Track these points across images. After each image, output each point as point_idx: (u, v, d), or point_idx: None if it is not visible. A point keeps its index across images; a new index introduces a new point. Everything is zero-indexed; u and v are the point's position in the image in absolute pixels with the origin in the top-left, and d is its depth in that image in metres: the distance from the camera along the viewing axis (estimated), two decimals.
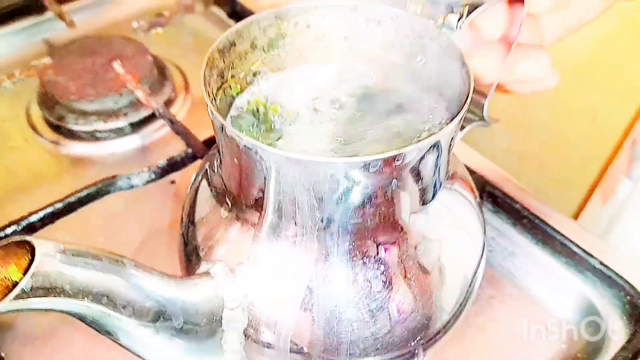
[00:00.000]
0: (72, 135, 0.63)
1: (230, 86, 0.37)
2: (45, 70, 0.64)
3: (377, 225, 0.32)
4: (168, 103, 0.67)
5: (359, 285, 0.33)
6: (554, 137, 0.77)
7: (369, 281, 0.33)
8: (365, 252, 0.32)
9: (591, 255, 0.50)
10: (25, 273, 0.24)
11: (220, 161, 0.35)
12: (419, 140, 0.29)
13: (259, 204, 0.32)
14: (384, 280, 0.33)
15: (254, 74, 0.39)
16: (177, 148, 0.60)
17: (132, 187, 0.53)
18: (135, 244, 0.55)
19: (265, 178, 0.30)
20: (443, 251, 0.36)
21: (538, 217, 0.53)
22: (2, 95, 0.64)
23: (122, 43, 0.68)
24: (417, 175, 0.32)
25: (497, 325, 0.50)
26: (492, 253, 0.55)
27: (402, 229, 0.33)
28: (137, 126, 0.64)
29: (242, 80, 0.38)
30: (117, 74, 0.63)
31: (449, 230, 0.37)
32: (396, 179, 0.30)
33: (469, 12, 0.36)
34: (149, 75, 0.66)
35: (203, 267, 0.34)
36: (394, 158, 0.29)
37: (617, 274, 0.49)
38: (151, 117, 0.64)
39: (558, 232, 0.52)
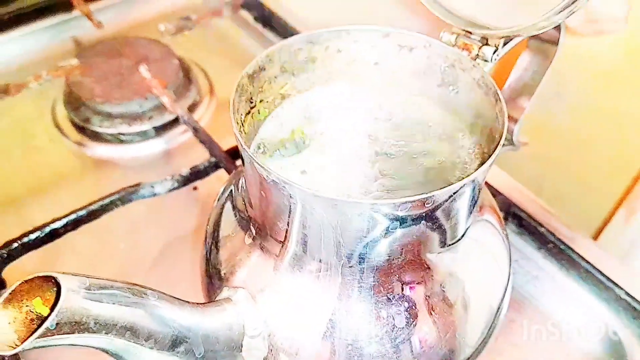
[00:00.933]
0: (96, 137, 0.64)
1: (258, 110, 0.36)
2: (72, 71, 0.64)
3: (403, 263, 0.32)
4: (193, 106, 0.67)
5: (382, 321, 0.32)
6: (579, 144, 0.75)
7: (392, 317, 0.32)
8: (390, 289, 0.32)
9: (617, 285, 0.49)
10: (51, 307, 0.24)
11: (246, 186, 0.35)
12: (449, 184, 0.28)
13: (283, 236, 0.32)
14: (407, 317, 0.33)
15: (283, 97, 0.38)
16: (201, 154, 0.60)
17: (154, 194, 0.53)
18: (157, 250, 0.55)
19: (290, 211, 0.30)
20: (469, 286, 0.36)
21: (563, 242, 0.52)
22: (28, 94, 0.65)
23: (149, 45, 0.68)
24: (447, 215, 0.31)
25: (516, 351, 0.50)
26: (515, 276, 0.54)
27: (428, 267, 0.33)
28: (161, 130, 0.64)
29: (271, 104, 0.38)
30: (143, 77, 0.63)
31: (476, 265, 0.37)
32: (424, 219, 0.30)
33: (504, 44, 0.36)
34: (175, 79, 0.66)
35: (225, 292, 0.34)
36: (423, 202, 0.28)
37: None
38: (175, 121, 0.64)
39: (583, 259, 0.51)
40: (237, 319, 0.33)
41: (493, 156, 0.30)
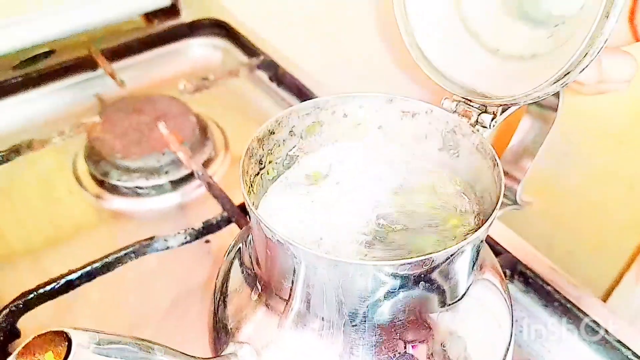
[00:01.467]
0: (114, 190, 0.66)
1: (267, 171, 0.38)
2: (93, 127, 0.67)
3: (405, 322, 0.33)
4: (208, 161, 0.70)
5: None
6: (589, 205, 0.76)
7: None
8: (391, 347, 0.33)
9: (624, 345, 0.50)
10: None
11: (253, 243, 0.36)
12: (446, 247, 0.30)
13: (287, 293, 0.33)
14: None
15: (291, 158, 0.40)
16: (215, 208, 0.62)
17: (167, 248, 0.55)
18: (167, 303, 0.56)
19: (294, 270, 0.31)
20: (470, 345, 0.36)
21: (570, 301, 0.53)
22: (51, 148, 0.67)
23: (168, 103, 0.71)
24: (446, 276, 0.32)
25: None
26: (521, 333, 0.54)
27: (429, 326, 0.33)
28: (177, 184, 0.67)
29: (280, 164, 0.39)
30: (161, 133, 0.65)
31: (477, 324, 0.37)
32: (424, 280, 0.31)
33: (502, 112, 0.37)
34: (191, 135, 0.68)
35: (230, 347, 0.35)
36: (422, 262, 0.29)
37: None
38: (191, 176, 0.66)
39: (590, 318, 0.51)
40: None
41: (490, 218, 0.31)
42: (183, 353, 0.32)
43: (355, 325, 0.32)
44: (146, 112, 0.70)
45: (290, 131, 0.39)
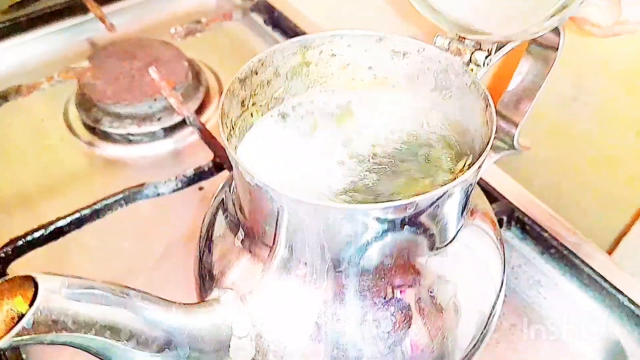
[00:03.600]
0: (106, 137, 0.65)
1: (251, 113, 0.37)
2: (83, 73, 0.65)
3: (391, 266, 0.32)
4: (201, 107, 0.68)
5: (368, 325, 0.32)
6: (597, 151, 0.74)
7: (378, 321, 0.32)
8: (377, 292, 0.32)
9: (620, 291, 0.49)
10: (31, 304, 0.25)
11: (235, 189, 0.35)
12: (431, 189, 0.28)
13: (270, 239, 0.32)
14: (394, 320, 0.33)
15: (277, 100, 0.38)
16: (207, 155, 0.61)
17: (158, 194, 0.54)
18: (161, 249, 0.56)
19: (276, 215, 0.30)
20: (459, 290, 0.35)
21: (567, 248, 0.52)
22: (41, 94, 0.66)
23: (160, 47, 0.69)
24: (433, 219, 0.31)
25: (517, 355, 0.49)
26: (518, 280, 0.54)
27: (416, 271, 0.33)
28: (169, 131, 0.65)
29: (264, 107, 0.38)
30: (153, 79, 0.64)
31: (467, 269, 0.36)
32: (410, 224, 0.30)
33: (497, 50, 0.35)
34: (184, 81, 0.66)
35: (214, 293, 0.35)
36: (405, 206, 0.28)
37: None
38: (184, 122, 0.65)
39: (586, 265, 0.51)
40: (225, 320, 0.33)
41: (480, 160, 0.30)
42: (162, 298, 0.31)
43: (340, 270, 0.31)
44: (137, 57, 0.68)
45: (275, 72, 0.37)
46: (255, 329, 0.33)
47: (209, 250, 0.37)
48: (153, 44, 0.70)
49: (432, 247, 0.33)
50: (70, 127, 0.66)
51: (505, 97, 0.45)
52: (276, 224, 0.31)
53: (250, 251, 0.34)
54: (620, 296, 0.49)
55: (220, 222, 0.37)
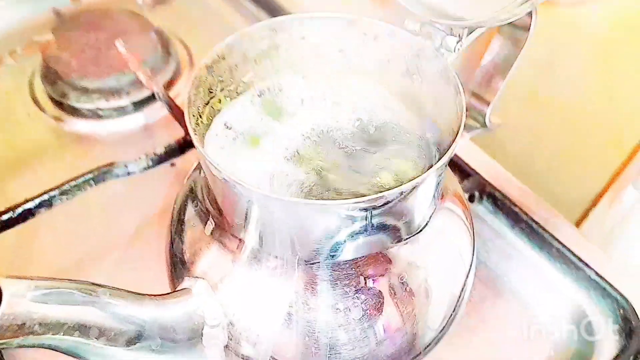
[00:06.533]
0: (74, 112, 0.63)
1: (219, 99, 0.36)
2: (47, 46, 0.63)
3: (361, 258, 0.32)
4: (172, 80, 0.67)
5: (339, 313, 0.33)
6: (570, 116, 0.75)
7: (349, 309, 0.33)
8: (347, 283, 0.32)
9: (587, 265, 0.50)
10: None
11: (204, 179, 0.35)
12: (395, 185, 0.28)
13: (239, 232, 0.32)
14: (365, 309, 0.33)
15: (246, 84, 0.38)
16: (178, 131, 0.60)
17: (128, 174, 0.53)
18: (132, 228, 0.55)
19: (245, 210, 0.30)
20: (430, 274, 0.36)
21: (536, 222, 0.53)
22: (5, 68, 0.64)
23: (127, 18, 0.67)
24: (403, 211, 0.31)
25: (487, 327, 0.50)
26: (489, 254, 0.54)
27: (388, 260, 0.33)
28: (139, 105, 0.64)
29: (233, 92, 0.37)
30: (120, 52, 0.62)
31: (438, 254, 0.37)
32: (379, 217, 0.30)
33: (468, 34, 0.35)
34: (153, 53, 0.65)
35: (186, 282, 0.35)
36: (373, 202, 0.28)
37: (611, 286, 0.49)
38: (154, 96, 0.63)
39: (555, 239, 0.52)
40: (197, 310, 0.33)
41: (448, 153, 0.29)
42: (131, 292, 0.31)
43: (311, 263, 0.31)
44: (103, 29, 0.66)
45: (243, 56, 0.36)
46: (227, 317, 0.33)
47: (180, 238, 0.37)
48: (120, 14, 0.68)
49: (403, 237, 0.33)
50: (36, 102, 0.64)
51: (478, 76, 0.45)
52: (245, 217, 0.31)
53: (220, 242, 0.34)
54: (587, 269, 0.50)
55: (191, 210, 0.37)
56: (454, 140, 0.30)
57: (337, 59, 0.38)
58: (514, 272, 0.53)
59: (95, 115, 0.63)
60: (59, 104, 0.64)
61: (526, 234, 0.53)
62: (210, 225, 0.34)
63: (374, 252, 0.32)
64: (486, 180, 0.55)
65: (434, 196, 0.34)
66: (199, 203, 0.36)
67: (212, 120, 0.36)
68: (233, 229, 0.32)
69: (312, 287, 0.32)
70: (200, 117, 0.34)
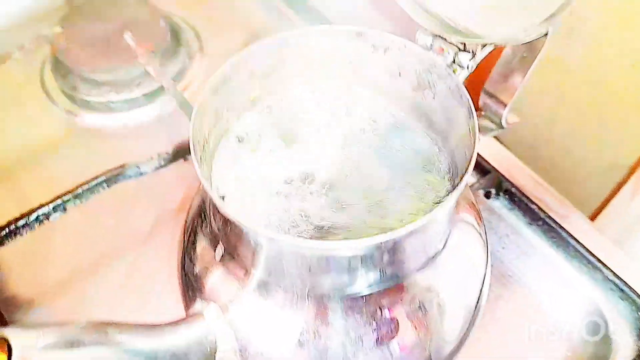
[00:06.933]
0: (86, 105, 0.63)
1: (227, 119, 0.35)
2: (56, 39, 0.62)
3: (375, 291, 0.31)
4: (183, 69, 0.66)
5: (352, 342, 0.32)
6: (593, 82, 0.72)
7: (362, 338, 0.32)
8: (360, 314, 0.32)
9: (605, 265, 0.49)
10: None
11: (211, 207, 0.34)
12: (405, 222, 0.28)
13: (248, 261, 0.32)
14: (379, 336, 0.33)
15: (253, 100, 0.37)
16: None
17: (141, 174, 0.53)
18: (147, 228, 0.55)
19: (253, 246, 0.30)
20: (446, 295, 0.35)
21: (554, 220, 0.52)
22: (14, 62, 0.63)
23: (134, 6, 0.66)
24: (416, 243, 0.30)
25: (501, 326, 0.50)
26: (505, 250, 0.54)
27: (404, 289, 0.32)
28: (152, 96, 0.63)
29: (240, 110, 0.36)
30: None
31: (454, 273, 0.36)
32: (392, 251, 0.29)
33: (482, 48, 0.33)
34: (162, 43, 0.63)
35: (197, 305, 0.35)
36: (381, 242, 0.27)
37: (630, 288, 0.48)
38: None
39: (573, 237, 0.51)
40: (209, 335, 0.33)
41: (459, 187, 0.29)
42: (141, 325, 0.31)
43: (321, 296, 0.31)
44: (111, 18, 0.64)
45: (250, 73, 0.35)
46: (239, 342, 0.33)
47: (190, 259, 0.37)
48: (128, 2, 0.66)
49: (419, 266, 0.32)
50: (49, 95, 0.64)
51: (494, 75, 0.43)
52: (253, 252, 0.30)
53: (229, 268, 0.33)
54: (605, 270, 0.49)
55: (201, 230, 0.37)
56: (466, 170, 0.29)
57: (347, 72, 0.37)
58: (530, 270, 0.52)
59: (107, 108, 0.63)
60: (71, 97, 0.63)
61: (543, 231, 0.52)
62: (220, 250, 0.34)
63: (389, 284, 0.31)
64: (503, 176, 0.54)
65: (448, 220, 0.33)
66: (209, 225, 0.36)
67: (220, 140, 0.35)
68: (241, 259, 0.32)
69: (323, 318, 0.32)
70: (207, 142, 0.33)
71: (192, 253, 0.37)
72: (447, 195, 0.29)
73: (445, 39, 0.34)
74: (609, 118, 0.72)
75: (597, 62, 0.70)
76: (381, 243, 0.27)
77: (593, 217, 0.62)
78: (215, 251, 0.35)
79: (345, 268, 0.29)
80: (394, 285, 0.32)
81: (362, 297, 0.31)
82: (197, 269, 0.36)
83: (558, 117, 0.71)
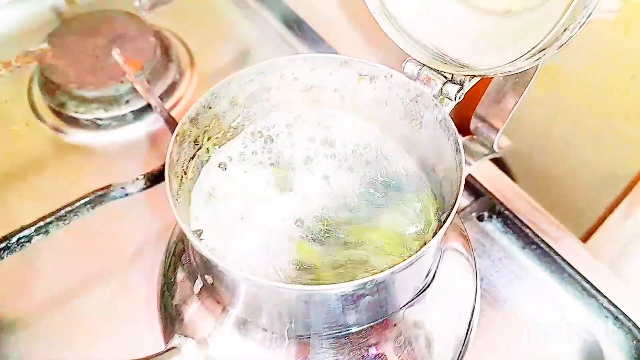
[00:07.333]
0: (74, 122, 0.62)
1: (207, 149, 0.34)
2: (44, 55, 0.61)
3: (360, 329, 0.30)
4: (173, 85, 0.65)
5: None
6: (590, 93, 0.71)
7: None
8: (342, 352, 0.31)
9: (600, 292, 0.48)
10: None
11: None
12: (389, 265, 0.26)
13: (226, 299, 0.31)
14: None
15: (235, 129, 0.36)
16: None
17: (127, 195, 0.52)
18: (132, 249, 0.54)
19: (230, 283, 0.29)
20: (436, 326, 0.34)
21: (548, 245, 0.51)
22: (1, 79, 0.62)
23: (124, 21, 0.65)
24: (401, 279, 0.29)
25: (493, 350, 0.49)
26: (498, 274, 0.52)
27: (391, 324, 0.31)
28: (139, 113, 0.62)
29: (222, 138, 0.35)
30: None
31: (443, 304, 0.35)
32: (371, 292, 0.28)
33: (470, 80, 0.32)
34: (152, 58, 0.63)
35: (175, 340, 0.33)
36: (364, 284, 0.26)
37: (625, 316, 0.47)
38: None
39: (567, 263, 0.50)
40: None
41: (444, 227, 0.27)
42: None
43: (302, 336, 0.30)
44: (100, 34, 0.63)
45: (231, 101, 0.34)
46: None
47: (169, 290, 0.36)
48: (116, 17, 0.65)
49: (407, 300, 0.31)
50: (35, 111, 0.63)
51: (486, 99, 0.42)
52: (230, 290, 0.29)
53: (207, 304, 0.32)
54: (599, 297, 0.48)
55: (180, 261, 0.36)
56: (451, 209, 0.28)
57: (332, 97, 0.36)
58: (523, 293, 0.51)
59: (94, 125, 0.62)
60: (58, 114, 0.62)
61: (537, 255, 0.51)
62: (199, 284, 0.33)
63: (375, 322, 0.30)
64: (496, 198, 0.53)
65: (434, 255, 0.32)
66: (188, 256, 0.35)
67: (199, 171, 0.34)
68: (219, 294, 0.31)
69: (304, 358, 0.30)
70: (185, 173, 0.32)
71: (172, 282, 0.36)
72: (432, 233, 0.28)
73: (433, 69, 0.33)
74: (606, 129, 0.71)
75: (596, 74, 0.69)
76: (364, 284, 0.26)
77: (588, 235, 0.61)
78: (194, 284, 0.33)
79: (326, 308, 0.28)
80: (380, 322, 0.30)
81: (345, 335, 0.30)
82: (175, 301, 0.35)
83: (555, 127, 0.70)
